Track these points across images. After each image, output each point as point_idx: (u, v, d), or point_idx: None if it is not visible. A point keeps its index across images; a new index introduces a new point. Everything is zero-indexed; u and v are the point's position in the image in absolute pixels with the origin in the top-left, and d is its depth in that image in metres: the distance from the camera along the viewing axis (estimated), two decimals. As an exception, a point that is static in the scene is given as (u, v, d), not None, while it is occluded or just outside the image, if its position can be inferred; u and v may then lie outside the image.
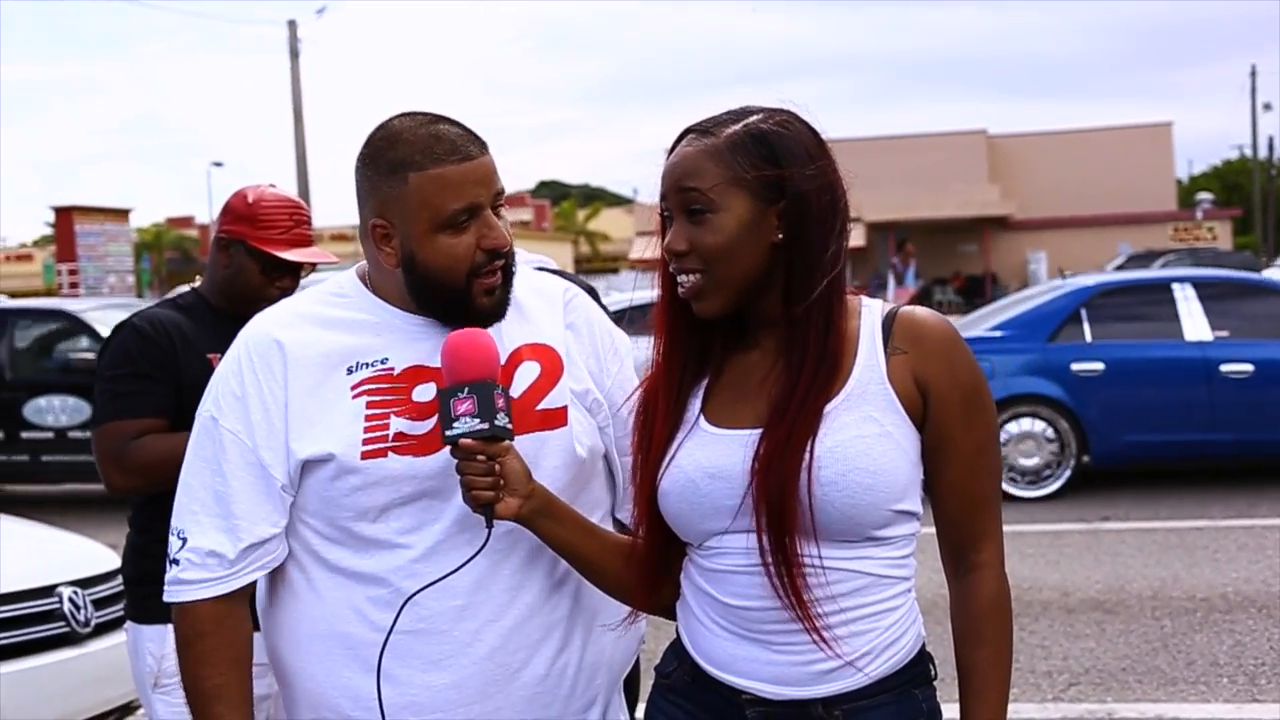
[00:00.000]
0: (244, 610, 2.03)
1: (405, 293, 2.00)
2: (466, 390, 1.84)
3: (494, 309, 1.99)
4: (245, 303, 3.12)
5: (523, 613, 1.97)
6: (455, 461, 1.86)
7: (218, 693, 1.97)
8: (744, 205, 1.77)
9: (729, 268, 1.78)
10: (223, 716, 1.97)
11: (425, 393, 1.95)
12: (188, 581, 1.99)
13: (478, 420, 1.83)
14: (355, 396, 1.96)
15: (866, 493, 1.72)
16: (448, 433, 1.84)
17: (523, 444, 1.93)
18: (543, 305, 2.11)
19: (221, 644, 1.98)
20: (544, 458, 1.98)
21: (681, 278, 1.82)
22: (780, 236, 1.78)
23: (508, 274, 2.00)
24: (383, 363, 1.98)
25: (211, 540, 1.98)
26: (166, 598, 2.02)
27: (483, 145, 1.97)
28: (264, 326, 2.05)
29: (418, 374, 1.97)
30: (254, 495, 1.97)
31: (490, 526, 1.88)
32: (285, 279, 3.15)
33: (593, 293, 2.78)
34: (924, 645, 1.86)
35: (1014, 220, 42.17)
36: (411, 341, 1.99)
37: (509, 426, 1.87)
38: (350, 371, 1.98)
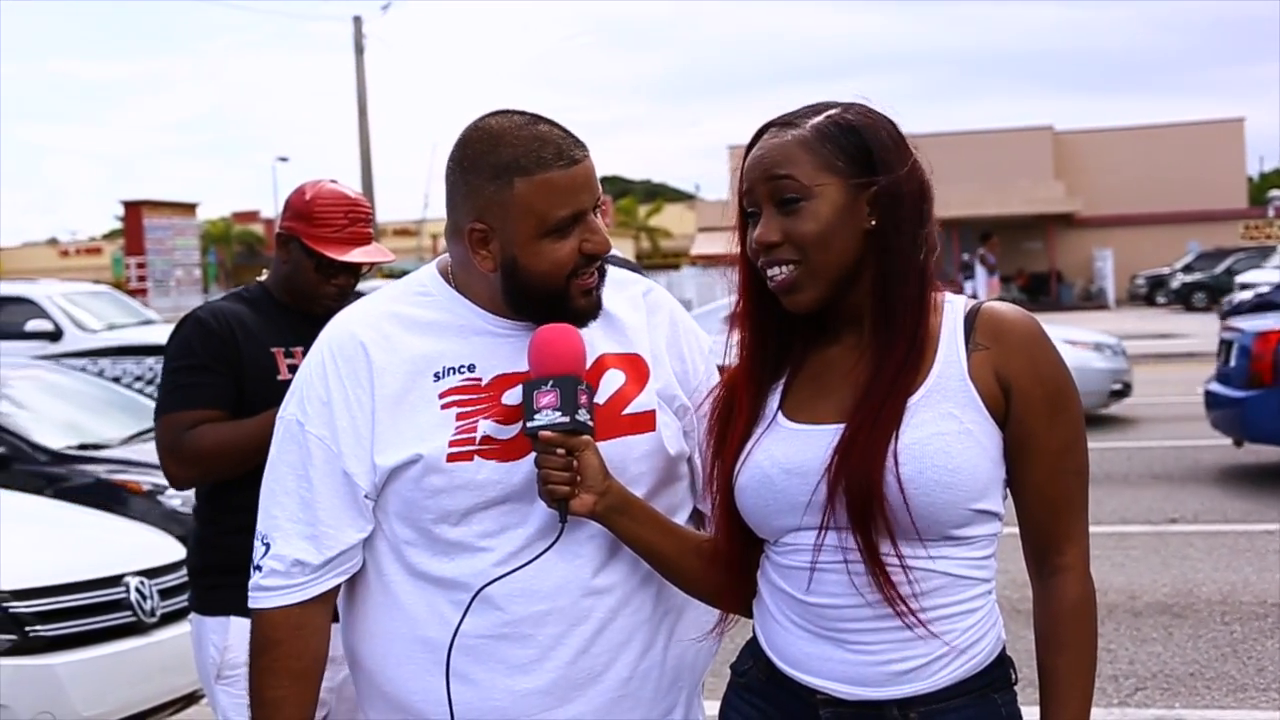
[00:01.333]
0: (322, 619, 2.01)
1: (496, 295, 1.97)
2: (551, 383, 1.84)
3: (590, 309, 1.97)
4: (304, 299, 3.13)
5: (606, 615, 1.95)
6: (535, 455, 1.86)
7: (277, 704, 1.97)
8: (837, 192, 1.75)
9: (825, 256, 1.75)
10: None
11: (513, 397, 1.92)
12: (269, 589, 1.97)
13: (559, 413, 1.83)
14: (444, 407, 1.93)
15: (945, 491, 1.69)
16: (528, 424, 1.84)
17: (610, 449, 1.92)
18: (627, 309, 2.08)
19: (292, 654, 1.97)
20: (630, 462, 1.97)
21: (773, 271, 1.79)
22: (873, 223, 1.76)
23: (602, 274, 1.98)
24: (470, 370, 1.95)
25: (296, 549, 1.96)
26: (250, 604, 2.00)
27: (583, 147, 1.94)
28: (348, 327, 2.01)
29: (505, 382, 1.94)
30: (339, 503, 1.95)
31: (564, 521, 1.87)
32: (341, 277, 3.15)
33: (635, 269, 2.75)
34: (1004, 648, 1.82)
35: (1080, 217, 41.72)
36: (498, 347, 1.97)
37: (590, 423, 1.86)
38: (438, 378, 1.95)
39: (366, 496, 1.96)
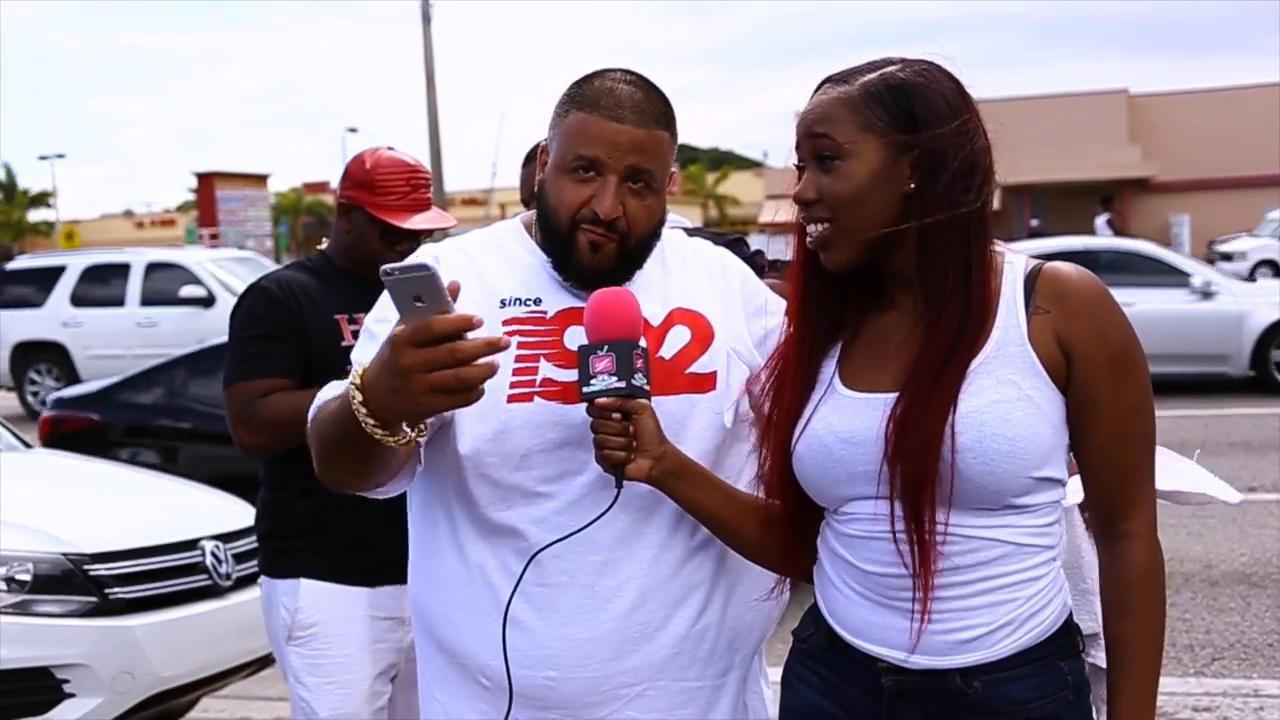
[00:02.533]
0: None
1: None
2: (606, 348, 1.84)
3: (594, 268, 1.96)
4: (368, 266, 3.16)
5: (665, 571, 1.96)
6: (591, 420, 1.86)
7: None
8: (875, 153, 1.72)
9: (857, 217, 1.73)
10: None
11: (576, 338, 1.94)
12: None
13: (615, 378, 1.83)
14: (507, 335, 1.93)
15: (1005, 460, 1.67)
16: (584, 390, 1.85)
17: (671, 405, 1.93)
18: (699, 270, 2.11)
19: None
20: (692, 420, 1.98)
21: (810, 227, 1.78)
22: (912, 187, 1.73)
23: (624, 250, 1.97)
24: (536, 303, 1.99)
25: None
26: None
27: (649, 119, 1.96)
28: (427, 252, 2.07)
29: (570, 317, 1.97)
30: None
31: (620, 487, 1.87)
32: (404, 243, 3.16)
33: (740, 242, 2.74)
34: (1070, 616, 1.80)
35: (1155, 182, 40.92)
36: (565, 288, 2.00)
37: (646, 387, 1.86)
38: (503, 305, 1.99)
39: None
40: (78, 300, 16.06)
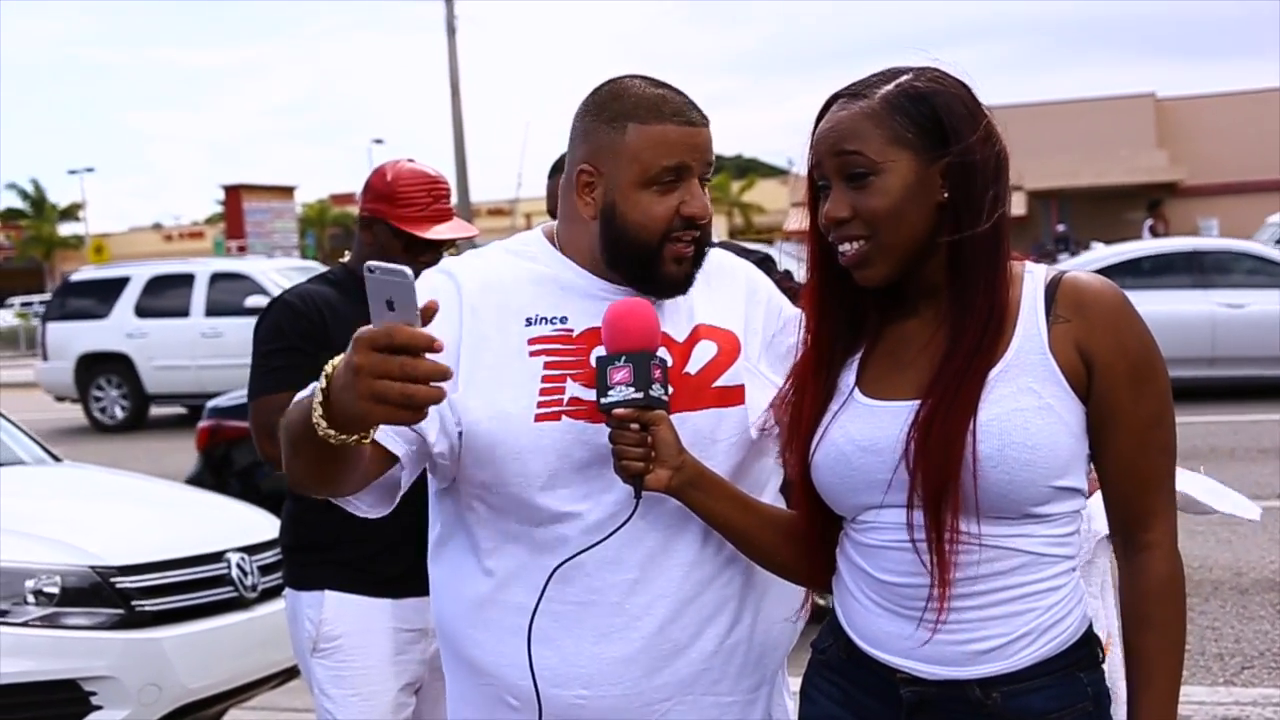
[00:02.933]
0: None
1: (595, 252, 1.99)
2: (624, 359, 1.84)
3: (680, 279, 1.98)
4: None
5: (694, 588, 1.96)
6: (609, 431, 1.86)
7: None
8: (908, 165, 1.72)
9: (895, 231, 1.73)
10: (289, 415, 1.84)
11: None
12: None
13: (632, 389, 1.83)
14: (533, 355, 1.95)
15: (1025, 469, 1.66)
16: (602, 401, 1.85)
17: (699, 420, 1.93)
18: (725, 285, 2.10)
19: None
20: (719, 434, 1.97)
21: (844, 246, 1.76)
22: (945, 195, 1.72)
23: (700, 249, 1.99)
24: (562, 321, 1.97)
25: None
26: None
27: (704, 117, 1.98)
28: (446, 270, 2.05)
29: (597, 336, 1.95)
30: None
31: (638, 497, 1.87)
32: (427, 254, 3.17)
33: (768, 260, 2.75)
34: (1090, 627, 1.79)
35: (1184, 186, 40.68)
36: (593, 303, 1.98)
37: (664, 397, 1.86)
38: (529, 323, 1.97)
39: (446, 431, 1.91)
40: (142, 311, 16.08)
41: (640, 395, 1.83)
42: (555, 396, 1.93)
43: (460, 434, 1.93)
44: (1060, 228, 30.57)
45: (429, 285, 1.98)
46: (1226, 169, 41.81)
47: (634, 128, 1.94)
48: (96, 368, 16.43)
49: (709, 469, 1.92)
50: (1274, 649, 5.55)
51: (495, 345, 1.95)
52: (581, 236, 2.01)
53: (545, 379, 1.94)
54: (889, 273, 1.76)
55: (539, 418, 1.93)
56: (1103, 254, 14.01)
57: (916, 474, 1.69)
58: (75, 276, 17.61)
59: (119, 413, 16.55)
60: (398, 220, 3.16)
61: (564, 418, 1.93)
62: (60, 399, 17.21)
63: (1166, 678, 1.73)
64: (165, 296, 16.04)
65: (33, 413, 17.66)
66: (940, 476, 1.67)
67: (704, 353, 2.01)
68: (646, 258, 1.95)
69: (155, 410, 16.96)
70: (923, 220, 1.73)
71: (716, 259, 2.13)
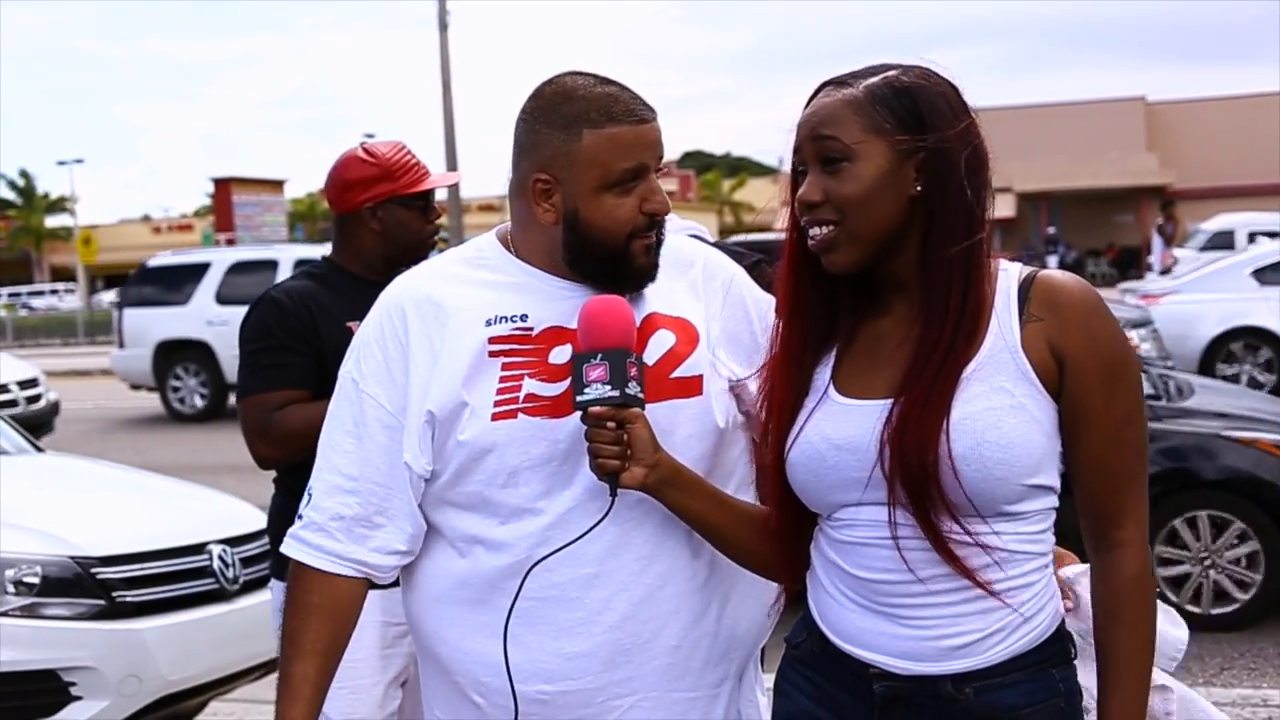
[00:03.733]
0: (354, 589, 2.04)
1: (553, 253, 1.99)
2: (600, 357, 1.84)
3: (649, 269, 1.98)
4: (411, 252, 3.14)
5: (655, 582, 1.96)
6: (586, 428, 1.86)
7: (291, 636, 2.00)
8: (883, 155, 1.72)
9: (864, 219, 1.73)
10: (288, 660, 2.00)
11: (561, 355, 1.94)
12: (305, 542, 2.02)
13: (609, 387, 1.83)
14: (492, 355, 1.95)
15: (998, 467, 1.67)
16: (578, 398, 1.84)
17: (657, 411, 1.92)
18: (680, 272, 2.08)
19: (312, 591, 2.01)
20: (678, 426, 1.96)
21: (814, 230, 1.77)
22: (919, 189, 1.73)
23: (660, 237, 1.99)
24: (521, 319, 1.98)
25: (336, 501, 2.02)
26: (284, 548, 2.06)
27: (652, 110, 1.98)
28: (405, 285, 2.07)
29: (556, 335, 1.96)
30: (387, 461, 1.99)
31: (614, 495, 1.87)
32: (433, 211, 3.25)
33: (761, 265, 2.74)
34: (1063, 623, 1.80)
35: (1173, 189, 40.81)
36: (552, 302, 1.98)
37: (640, 395, 1.86)
38: (489, 324, 1.97)
39: (421, 472, 1.98)
40: (223, 298, 15.67)
41: (617, 393, 1.83)
42: (511, 395, 1.94)
43: (431, 471, 1.98)
44: (1050, 230, 30.64)
45: (399, 314, 2.01)
46: (1216, 173, 41.97)
47: (589, 133, 1.92)
48: (175, 356, 16.12)
49: (685, 466, 1.92)
50: (1253, 649, 5.58)
51: (456, 345, 1.96)
52: (537, 240, 2.01)
53: (503, 378, 1.94)
54: (855, 260, 1.76)
55: (496, 416, 1.93)
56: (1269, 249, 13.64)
57: (894, 473, 1.69)
58: (153, 262, 17.15)
59: (198, 401, 16.24)
60: (406, 188, 3.18)
61: (520, 415, 1.93)
62: (136, 387, 16.96)
63: (1137, 675, 1.74)
64: (247, 283, 15.29)
65: (108, 400, 17.56)
66: (916, 476, 1.67)
67: (661, 342, 2.00)
68: (615, 257, 1.96)
69: (235, 400, 16.80)
70: (893, 211, 1.73)
71: (673, 247, 2.10)
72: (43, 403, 12.51)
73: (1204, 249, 19.24)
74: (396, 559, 2.03)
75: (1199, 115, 43.61)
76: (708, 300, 2.08)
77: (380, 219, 3.18)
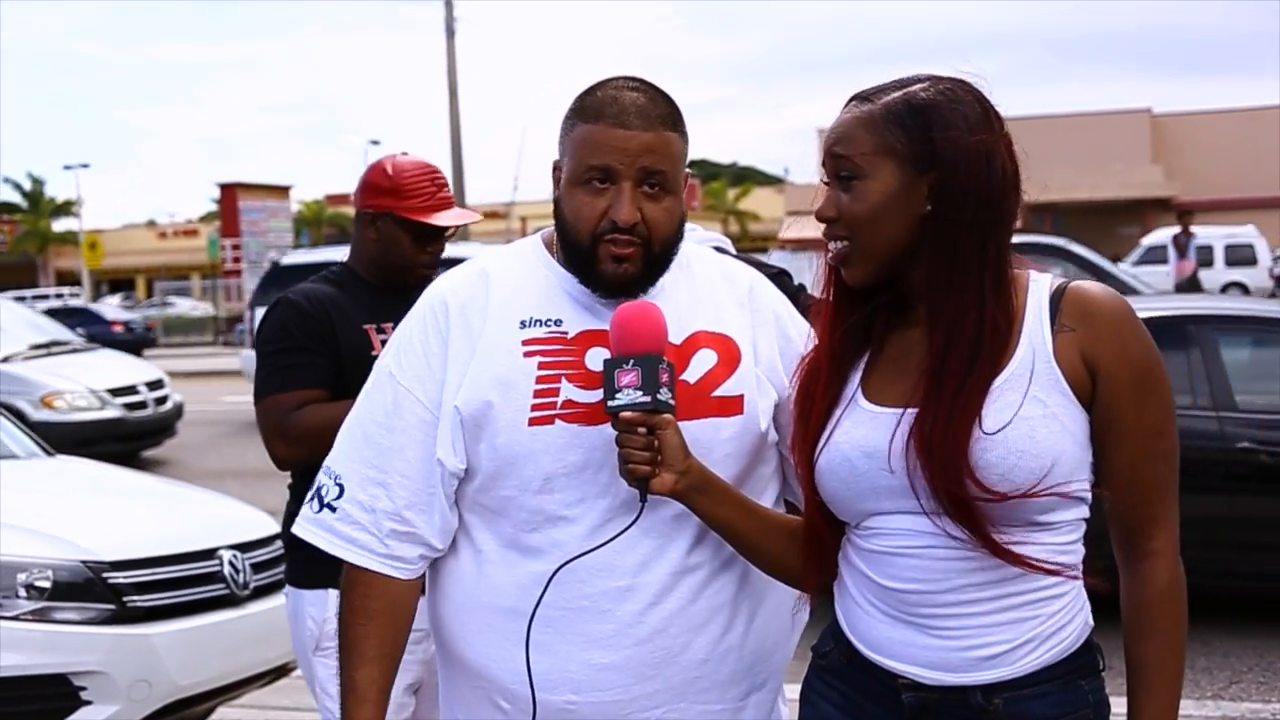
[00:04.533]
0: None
1: None
2: (632, 362, 1.84)
3: (622, 279, 1.95)
4: (399, 272, 3.17)
5: (686, 596, 1.95)
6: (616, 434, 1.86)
7: (353, 643, 2.00)
8: (892, 174, 1.73)
9: (872, 236, 1.75)
10: (353, 666, 1.99)
11: (598, 359, 1.93)
12: (347, 537, 2.02)
13: (640, 393, 1.83)
14: (527, 355, 1.95)
15: (1030, 476, 1.67)
16: (610, 404, 1.84)
17: (697, 429, 1.92)
18: (726, 292, 2.08)
19: (372, 595, 2.01)
20: (718, 444, 1.96)
21: (831, 244, 1.80)
22: (929, 208, 1.73)
23: (649, 255, 1.96)
24: (557, 324, 1.98)
25: (369, 493, 2.01)
26: (321, 541, 2.06)
27: (655, 121, 1.95)
28: (448, 283, 2.08)
29: (592, 338, 1.96)
30: (417, 455, 1.99)
31: (644, 501, 1.87)
32: (434, 244, 3.21)
33: (784, 274, 2.74)
34: (1091, 634, 1.80)
35: (1178, 202, 40.80)
36: (587, 308, 1.99)
37: (671, 401, 1.85)
38: (523, 325, 1.98)
39: (453, 470, 1.98)
40: None
41: (648, 399, 1.83)
42: (549, 400, 1.93)
43: (465, 469, 1.98)
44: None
45: (440, 311, 2.02)
46: (1221, 185, 41.96)
47: (580, 126, 1.97)
48: None
49: (714, 474, 1.92)
50: (1262, 663, 5.56)
51: (490, 344, 1.97)
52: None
53: (539, 379, 1.94)
54: (867, 274, 1.78)
55: (533, 421, 1.93)
56: None
57: (920, 482, 1.69)
58: (286, 260, 16.76)
59: None
60: (406, 211, 3.17)
61: (558, 421, 1.93)
62: None
63: (1168, 686, 1.73)
64: None
65: (234, 397, 17.43)
66: (945, 484, 1.67)
67: (703, 361, 2.00)
68: (583, 256, 1.97)
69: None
70: (902, 229, 1.74)
71: (720, 267, 2.12)
72: (169, 405, 12.65)
73: (1138, 264, 19.31)
74: (424, 550, 2.02)
75: (1205, 127, 43.60)
76: (754, 319, 2.07)
77: (377, 228, 3.21)
